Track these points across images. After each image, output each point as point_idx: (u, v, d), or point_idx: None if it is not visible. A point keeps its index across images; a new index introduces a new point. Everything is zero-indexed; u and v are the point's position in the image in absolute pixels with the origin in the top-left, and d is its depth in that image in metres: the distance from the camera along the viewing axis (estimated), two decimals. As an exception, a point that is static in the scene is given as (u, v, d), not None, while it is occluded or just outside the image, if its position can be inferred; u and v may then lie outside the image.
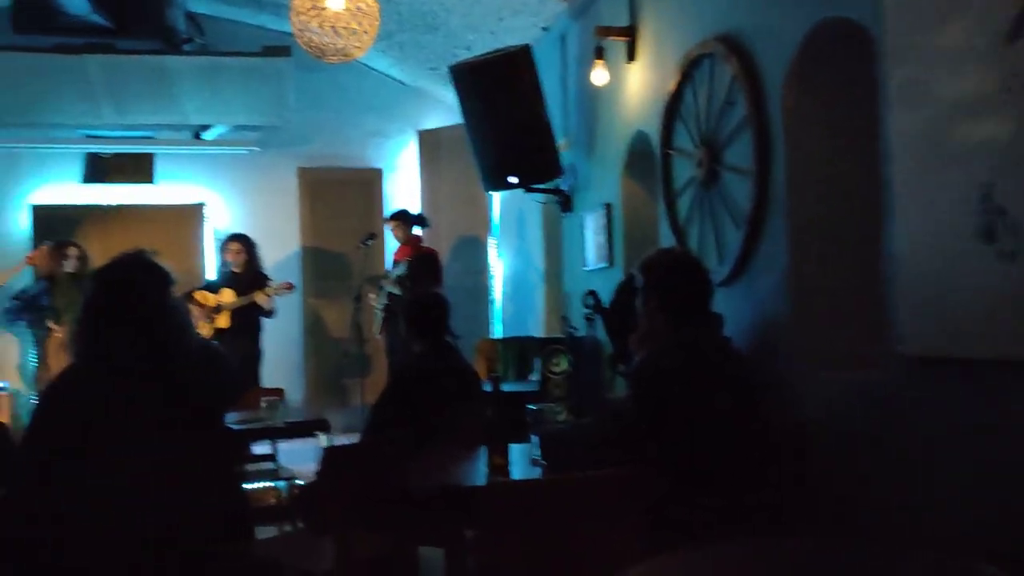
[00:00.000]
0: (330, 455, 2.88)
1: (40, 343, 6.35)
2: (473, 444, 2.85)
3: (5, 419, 6.36)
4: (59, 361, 5.69)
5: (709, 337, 2.75)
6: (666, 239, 3.96)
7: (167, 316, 2.22)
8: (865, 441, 2.58)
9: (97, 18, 6.25)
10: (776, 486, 2.60)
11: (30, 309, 6.29)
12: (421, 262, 6.31)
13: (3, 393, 6.64)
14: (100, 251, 6.46)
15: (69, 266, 6.41)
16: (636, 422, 2.56)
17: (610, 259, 4.81)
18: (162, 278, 2.28)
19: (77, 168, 7.26)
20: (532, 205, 6.26)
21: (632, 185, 4.64)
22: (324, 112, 7.54)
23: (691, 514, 2.36)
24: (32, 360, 6.46)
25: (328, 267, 7.73)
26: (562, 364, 3.95)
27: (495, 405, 2.68)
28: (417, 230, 6.68)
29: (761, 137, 3.09)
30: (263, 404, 4.07)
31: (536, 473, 2.57)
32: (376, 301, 6.55)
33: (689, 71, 3.66)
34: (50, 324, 6.25)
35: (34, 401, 5.65)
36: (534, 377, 4.75)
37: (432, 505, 2.46)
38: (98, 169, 7.26)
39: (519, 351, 5.42)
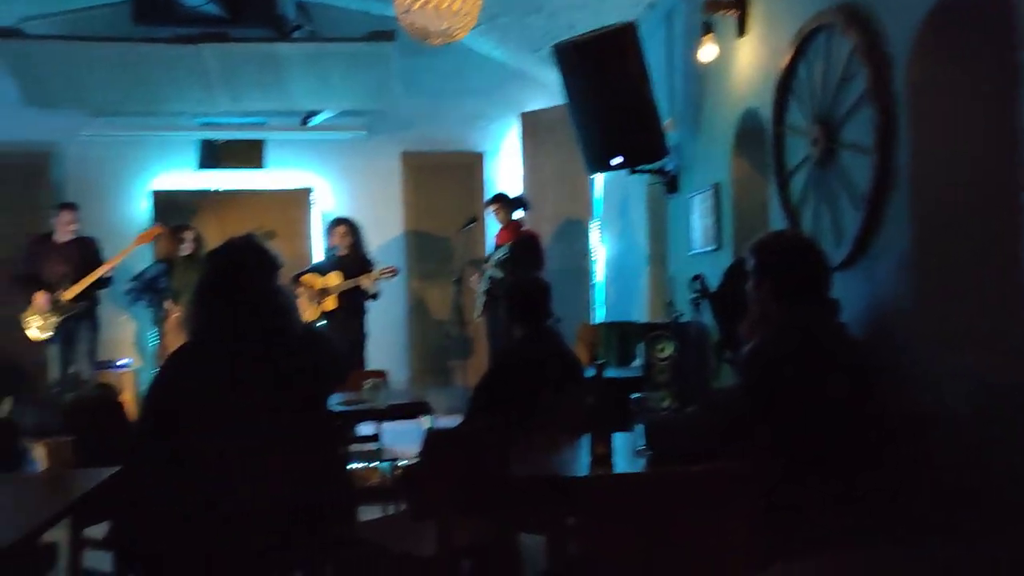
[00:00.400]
0: (432, 439, 2.88)
1: (159, 323, 6.63)
2: (575, 431, 2.80)
3: (129, 395, 6.69)
4: (177, 340, 5.92)
5: (823, 321, 2.62)
6: (777, 221, 3.80)
7: (272, 298, 2.26)
8: (995, 433, 2.40)
9: (211, 8, 6.45)
10: (892, 471, 2.48)
11: (148, 290, 6.57)
12: (522, 245, 6.29)
13: (126, 370, 6.99)
14: (215, 234, 6.70)
15: (185, 249, 6.67)
16: (746, 412, 2.46)
17: (718, 242, 4.66)
18: (269, 262, 2.32)
19: (192, 155, 7.54)
20: (636, 187, 6.14)
21: (742, 165, 4.48)
22: (427, 97, 7.59)
23: (805, 497, 2.28)
24: (152, 339, 6.76)
25: (431, 250, 7.80)
26: (667, 350, 3.84)
27: (598, 391, 2.61)
28: (518, 213, 6.66)
29: (884, 112, 2.91)
30: (366, 386, 4.13)
31: (640, 464, 2.50)
32: (478, 284, 6.57)
33: (803, 45, 3.50)
34: (168, 305, 6.52)
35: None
36: (637, 363, 4.66)
37: (534, 491, 2.42)
38: (212, 155, 7.53)
39: (621, 336, 5.34)
